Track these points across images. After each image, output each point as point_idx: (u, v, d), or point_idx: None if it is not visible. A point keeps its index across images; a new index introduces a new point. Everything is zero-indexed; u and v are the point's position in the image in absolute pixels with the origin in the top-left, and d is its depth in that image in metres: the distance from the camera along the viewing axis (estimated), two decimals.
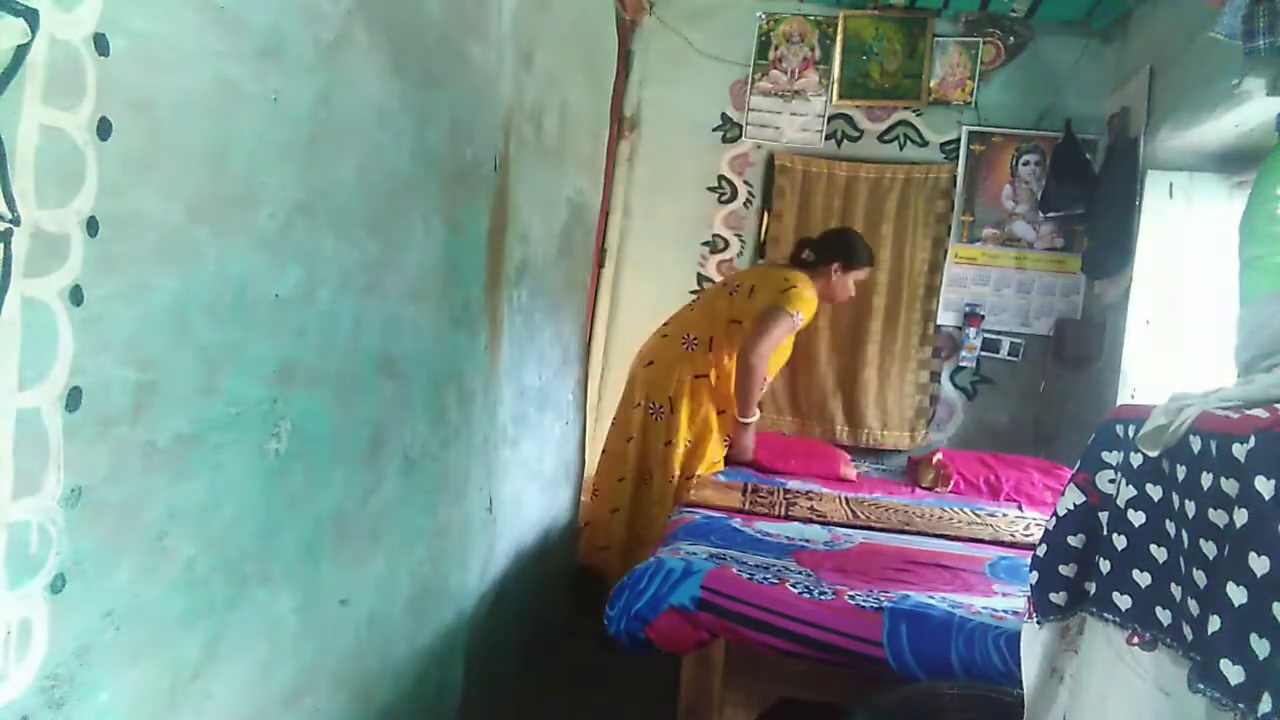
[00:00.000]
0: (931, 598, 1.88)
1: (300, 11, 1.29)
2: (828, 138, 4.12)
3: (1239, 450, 0.96)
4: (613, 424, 3.38)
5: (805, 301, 3.18)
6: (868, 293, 4.07)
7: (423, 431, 1.90)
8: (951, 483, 3.29)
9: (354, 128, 1.49)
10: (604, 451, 3.38)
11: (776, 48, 4.15)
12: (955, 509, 2.94)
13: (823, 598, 1.84)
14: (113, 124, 0.94)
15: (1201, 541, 1.01)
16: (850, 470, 3.39)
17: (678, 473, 3.18)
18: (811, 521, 2.55)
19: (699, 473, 3.18)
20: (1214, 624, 0.93)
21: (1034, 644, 1.33)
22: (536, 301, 2.77)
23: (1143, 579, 1.14)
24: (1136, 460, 1.17)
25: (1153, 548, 1.13)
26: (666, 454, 3.20)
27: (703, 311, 3.34)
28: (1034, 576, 1.32)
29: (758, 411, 3.24)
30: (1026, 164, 4.00)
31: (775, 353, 3.22)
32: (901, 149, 4.09)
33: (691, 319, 3.33)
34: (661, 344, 3.33)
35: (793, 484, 3.13)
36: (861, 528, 2.53)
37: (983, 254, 4.05)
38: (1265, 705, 0.86)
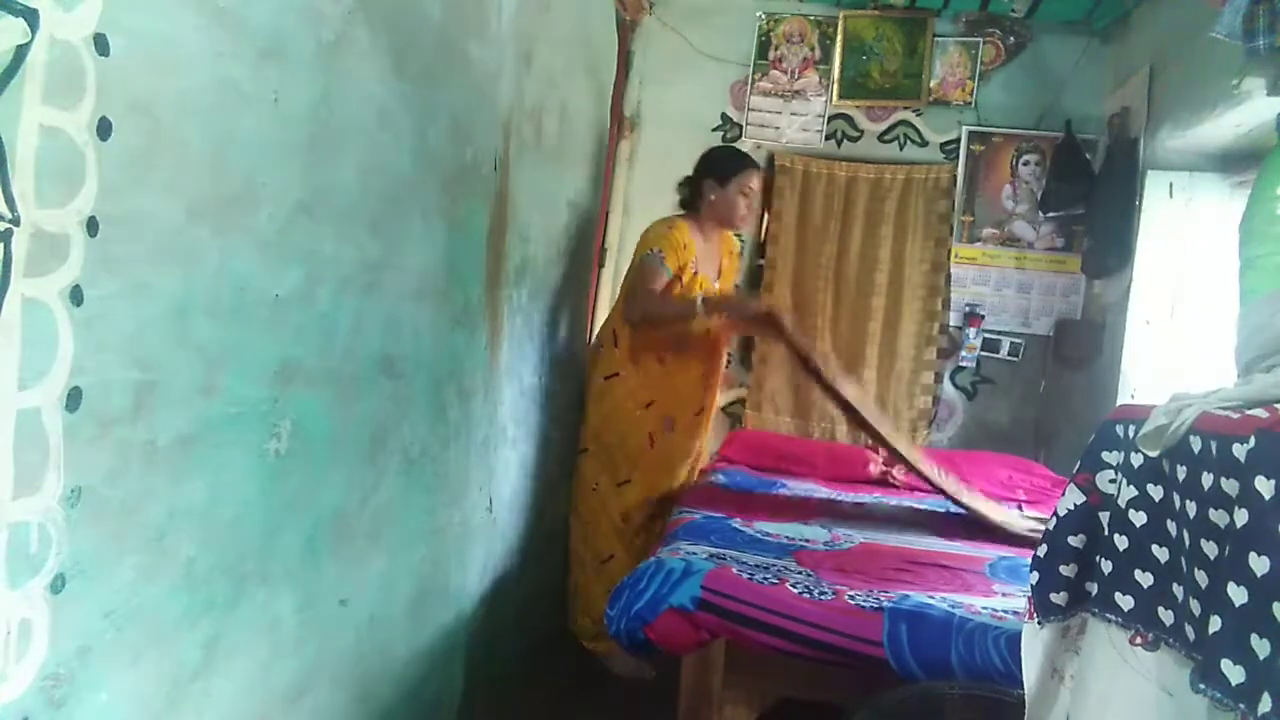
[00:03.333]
0: (931, 598, 1.88)
1: (300, 11, 1.29)
2: (828, 138, 4.12)
3: (1239, 450, 0.96)
4: None
5: (656, 236, 2.90)
6: (867, 293, 4.06)
7: (423, 431, 1.90)
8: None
9: (354, 128, 1.49)
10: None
11: (776, 48, 4.14)
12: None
13: (823, 598, 1.84)
14: (113, 124, 0.94)
15: (1202, 541, 1.01)
16: (876, 469, 3.40)
17: (598, 477, 2.99)
18: (811, 520, 2.54)
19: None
20: (1215, 624, 0.93)
21: (1035, 644, 1.33)
22: (536, 301, 2.77)
23: (1145, 579, 1.14)
24: (1137, 460, 1.17)
25: (1154, 548, 1.13)
26: (593, 500, 3.00)
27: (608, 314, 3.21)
28: (1034, 577, 1.32)
29: (694, 305, 2.82)
30: (1026, 164, 3.99)
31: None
32: (901, 149, 4.09)
33: (603, 322, 3.20)
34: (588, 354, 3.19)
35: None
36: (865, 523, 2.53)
37: (983, 254, 4.05)
38: (1265, 705, 0.86)
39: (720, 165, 3.01)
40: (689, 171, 3.59)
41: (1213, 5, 2.38)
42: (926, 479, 2.80)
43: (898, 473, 3.35)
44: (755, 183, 3.03)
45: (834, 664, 1.75)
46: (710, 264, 3.06)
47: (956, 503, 2.76)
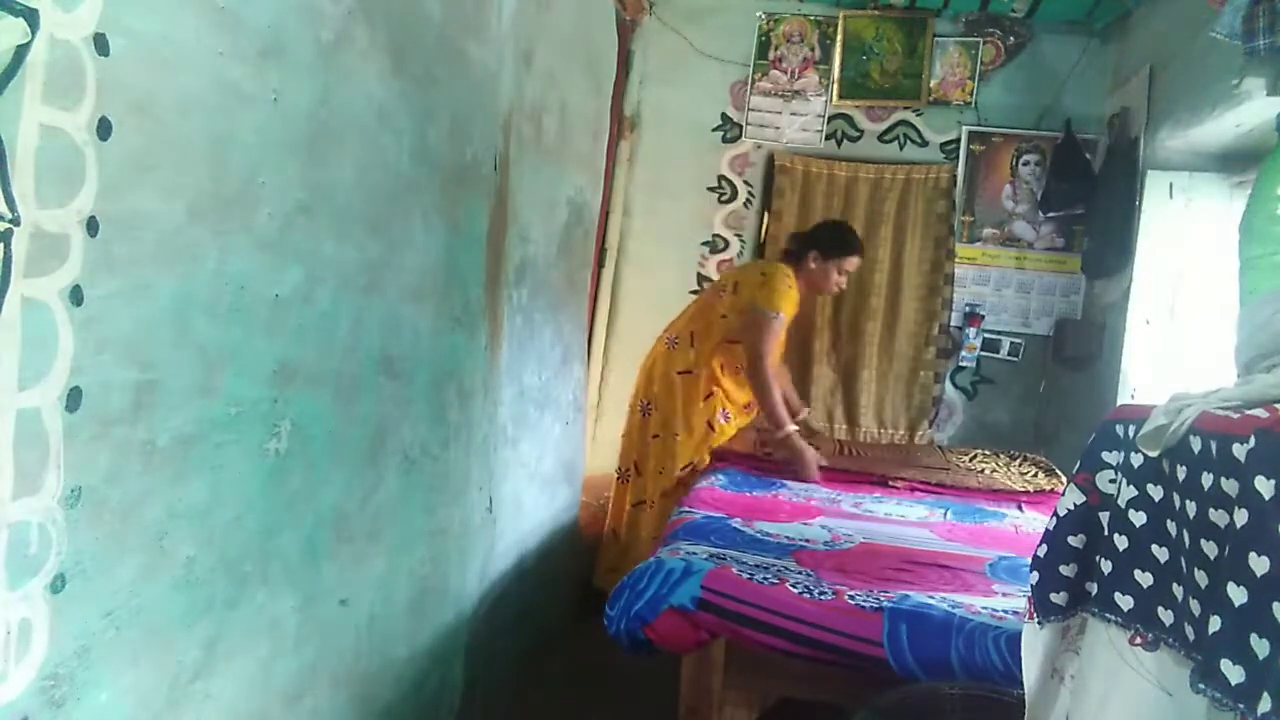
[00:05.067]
0: (931, 598, 1.88)
1: (300, 11, 1.29)
2: (828, 138, 4.12)
3: (1239, 450, 0.96)
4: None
5: (781, 295, 3.20)
6: (866, 293, 4.07)
7: (423, 431, 1.90)
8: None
9: (354, 127, 1.49)
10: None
11: (776, 48, 4.15)
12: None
13: (823, 598, 1.84)
14: (113, 124, 0.94)
15: (1202, 541, 1.01)
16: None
17: (666, 465, 3.30)
18: (811, 520, 2.54)
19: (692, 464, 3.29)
20: (1215, 624, 0.93)
21: (1035, 644, 1.33)
22: (536, 301, 2.77)
23: (1144, 579, 1.14)
24: (1137, 460, 1.17)
25: (1154, 548, 1.13)
26: (654, 446, 3.32)
27: (691, 312, 3.45)
28: (1034, 577, 1.31)
29: (788, 423, 3.12)
30: (1026, 164, 4.00)
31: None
32: (901, 149, 4.09)
33: (678, 320, 3.45)
34: (654, 347, 3.47)
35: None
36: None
37: (983, 254, 4.05)
38: (1265, 705, 0.86)
39: (828, 243, 3.31)
40: (689, 171, 3.60)
41: (1213, 5, 2.38)
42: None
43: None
44: (853, 265, 3.33)
45: (834, 664, 1.75)
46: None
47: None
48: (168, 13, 1.02)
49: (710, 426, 3.33)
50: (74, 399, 0.93)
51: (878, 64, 4.07)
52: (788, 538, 2.34)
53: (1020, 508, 3.05)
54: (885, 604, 1.80)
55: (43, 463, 0.90)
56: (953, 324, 4.04)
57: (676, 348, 3.36)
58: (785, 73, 4.14)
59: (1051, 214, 3.89)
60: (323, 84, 1.37)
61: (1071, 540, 1.27)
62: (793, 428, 3.13)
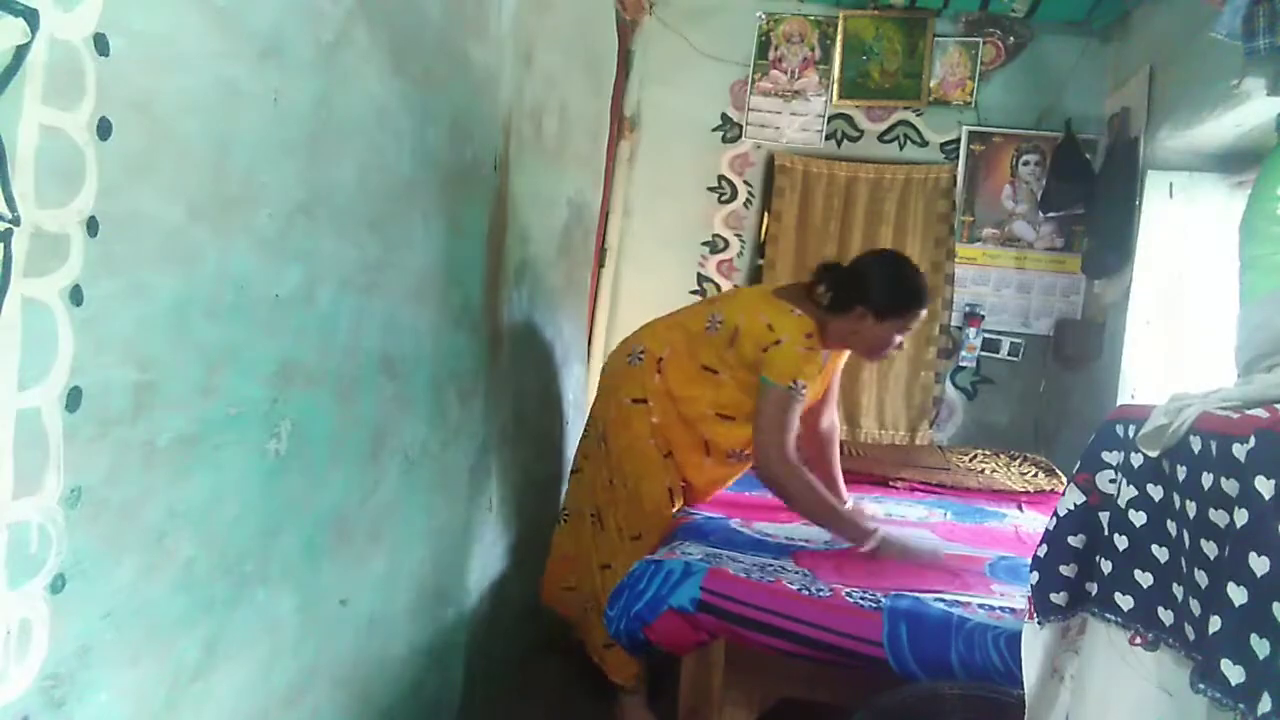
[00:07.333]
0: (931, 597, 1.88)
1: (300, 11, 1.29)
2: (828, 138, 4.12)
3: (1239, 450, 0.96)
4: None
5: (797, 362, 2.27)
6: None
7: (423, 431, 1.90)
8: None
9: (354, 128, 1.49)
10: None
11: (776, 48, 4.14)
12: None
13: (821, 596, 1.84)
14: (113, 124, 0.94)
15: (1202, 541, 1.01)
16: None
17: (621, 523, 2.45)
18: None
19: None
20: (1214, 624, 0.93)
21: (1035, 644, 1.33)
22: (536, 301, 2.77)
23: (1144, 579, 1.14)
24: (1137, 460, 1.17)
25: (1154, 548, 1.13)
26: (609, 496, 2.48)
27: (668, 325, 2.55)
28: (1034, 577, 1.32)
29: (864, 520, 2.34)
30: (1026, 164, 3.99)
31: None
32: (901, 149, 4.08)
33: (650, 330, 2.59)
34: (613, 355, 2.69)
35: None
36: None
37: (983, 254, 4.05)
38: (1265, 705, 0.86)
39: (888, 297, 2.32)
40: (689, 171, 3.47)
41: (1213, 5, 2.38)
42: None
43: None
44: (918, 323, 2.41)
45: (834, 664, 1.75)
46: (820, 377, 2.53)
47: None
48: (168, 13, 1.02)
49: (670, 497, 2.45)
50: (74, 399, 0.93)
51: (878, 64, 4.07)
52: (787, 538, 2.34)
53: (1020, 508, 3.06)
54: (885, 604, 1.81)
55: (43, 463, 0.90)
56: (953, 324, 4.04)
57: (638, 365, 2.47)
58: (785, 73, 4.14)
59: (1051, 214, 3.89)
60: (323, 84, 1.37)
61: (1071, 540, 1.27)
62: (873, 526, 2.28)
